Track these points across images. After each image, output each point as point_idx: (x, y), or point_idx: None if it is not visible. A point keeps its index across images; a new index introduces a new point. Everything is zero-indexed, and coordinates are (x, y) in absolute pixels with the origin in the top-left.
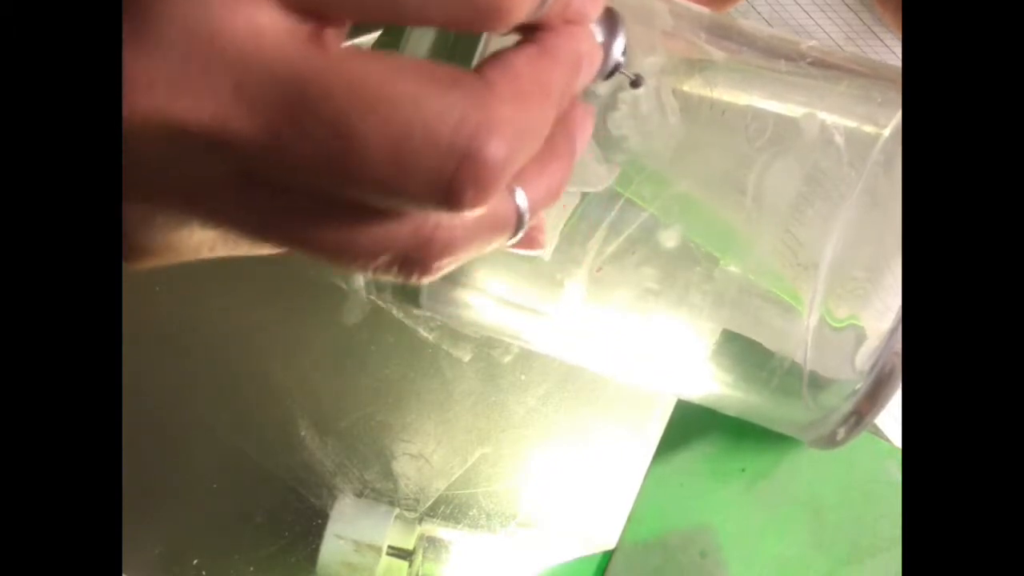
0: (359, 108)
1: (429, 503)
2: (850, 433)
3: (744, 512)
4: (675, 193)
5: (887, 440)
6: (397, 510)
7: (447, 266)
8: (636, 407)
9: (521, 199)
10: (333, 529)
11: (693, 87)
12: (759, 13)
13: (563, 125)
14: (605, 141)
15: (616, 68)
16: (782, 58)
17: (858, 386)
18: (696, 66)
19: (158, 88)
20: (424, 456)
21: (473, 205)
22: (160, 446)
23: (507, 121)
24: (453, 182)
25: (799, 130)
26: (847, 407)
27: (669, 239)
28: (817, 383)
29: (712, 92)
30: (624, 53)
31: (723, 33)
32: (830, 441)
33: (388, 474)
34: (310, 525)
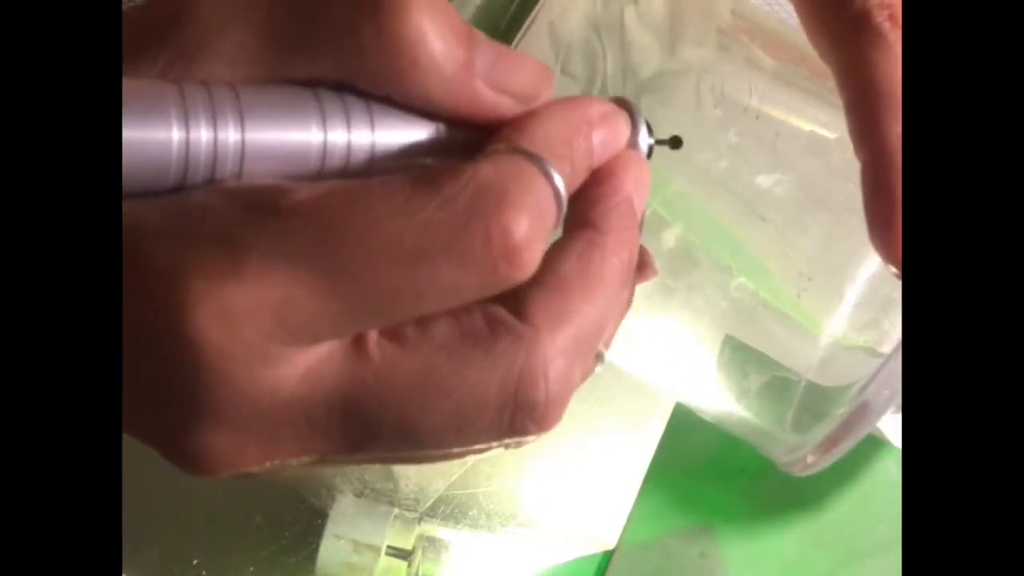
0: (414, 404)
1: (429, 503)
2: (821, 459)
3: (744, 512)
4: (676, 189)
5: (887, 440)
6: (396, 510)
7: (548, 431)
8: (636, 407)
9: (599, 346)
10: (333, 529)
11: (733, 88)
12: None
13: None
14: None
15: (651, 152)
16: (832, 81)
17: (841, 411)
18: (742, 68)
19: (242, 454)
20: None
21: (540, 432)
22: None
23: (551, 356)
24: (514, 428)
25: (827, 152)
26: (824, 431)
27: (670, 238)
28: (811, 401)
29: (751, 97)
30: (651, 133)
31: (779, 43)
32: (802, 466)
33: (388, 474)
34: (310, 525)
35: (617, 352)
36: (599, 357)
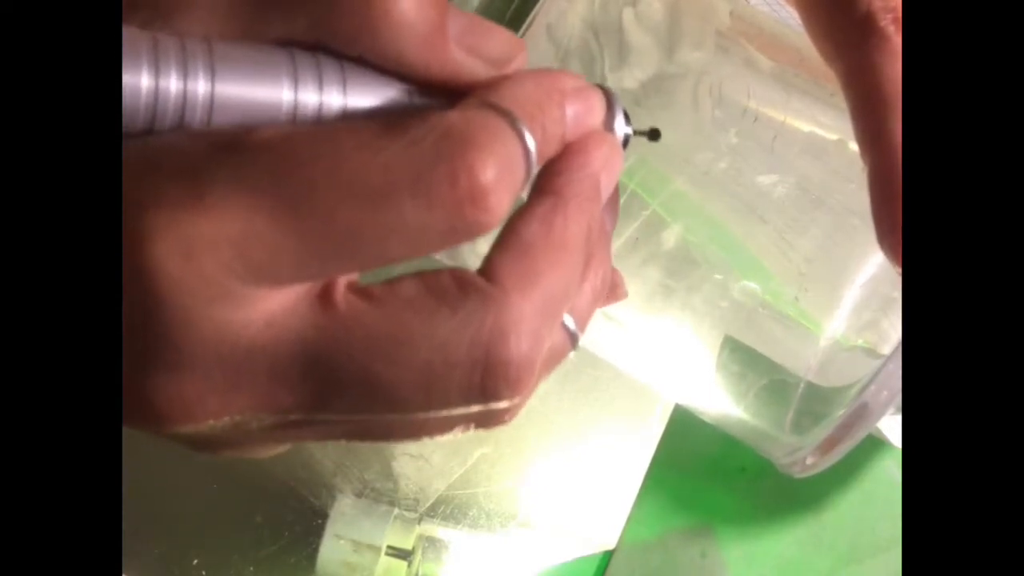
0: (380, 360)
1: (429, 503)
2: (821, 460)
3: (744, 512)
4: (676, 190)
5: (887, 440)
6: (397, 510)
7: (521, 410)
8: (636, 407)
9: (569, 322)
10: (333, 529)
11: (731, 90)
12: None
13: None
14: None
15: (627, 141)
16: (831, 83)
17: (840, 412)
18: (740, 71)
19: (202, 403)
20: (424, 456)
21: (513, 396)
22: (160, 446)
23: (520, 316)
24: (485, 390)
25: (826, 155)
26: (823, 433)
27: (670, 239)
28: (810, 402)
29: (748, 99)
30: (628, 120)
31: (779, 45)
32: (802, 467)
33: (388, 474)
34: (310, 525)
35: (617, 353)
36: (574, 339)
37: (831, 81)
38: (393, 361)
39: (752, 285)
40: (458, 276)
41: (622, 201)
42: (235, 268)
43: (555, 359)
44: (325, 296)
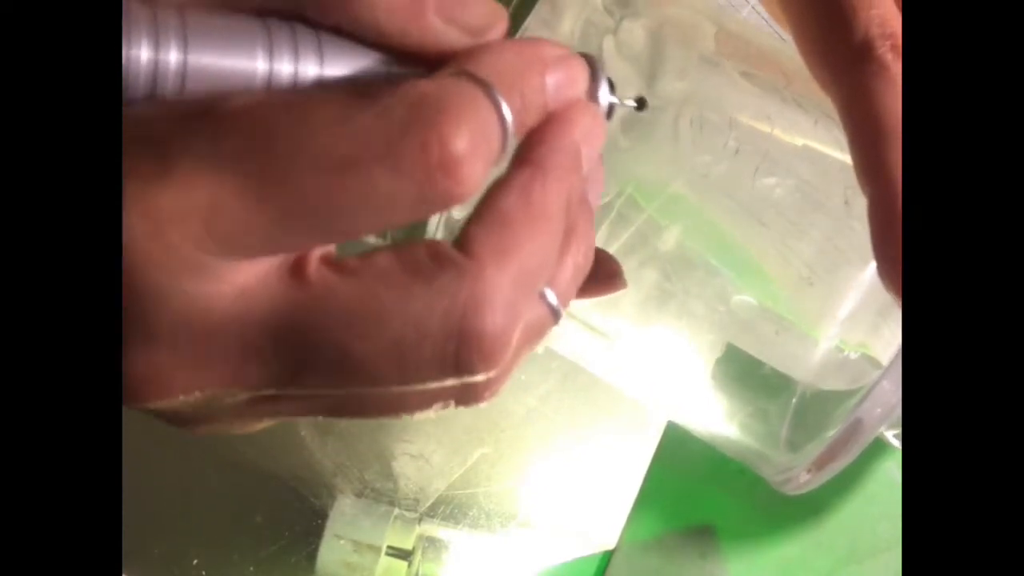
0: (352, 332)
1: (429, 503)
2: (814, 477)
3: (744, 512)
4: (674, 194)
5: (887, 441)
6: (397, 510)
7: (502, 386)
8: (636, 407)
9: (550, 296)
10: (333, 529)
11: (714, 119)
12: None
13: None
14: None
15: (611, 110)
16: (818, 110)
17: (834, 429)
18: (724, 98)
19: (172, 378)
20: (424, 456)
21: (488, 370)
22: (160, 446)
23: (495, 287)
24: (459, 363)
25: (813, 197)
26: (817, 450)
27: (667, 241)
28: (804, 416)
29: (731, 130)
30: (613, 90)
31: (770, 60)
32: (795, 485)
33: (388, 474)
34: (310, 525)
35: (608, 367)
36: (556, 314)
37: (819, 110)
38: (365, 334)
39: (748, 299)
40: (433, 248)
41: (616, 207)
42: (204, 240)
43: (536, 334)
44: (297, 269)
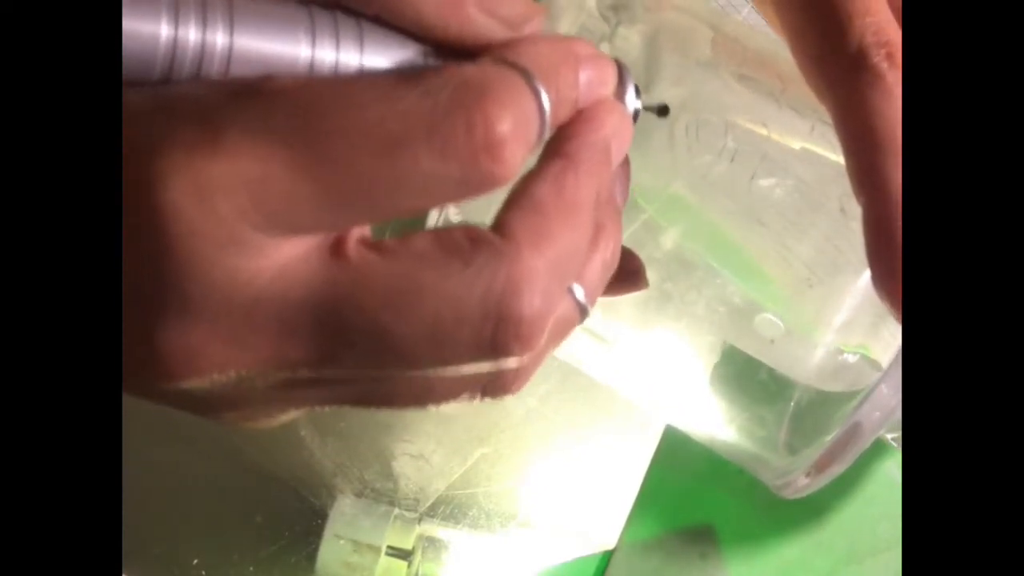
0: (390, 312)
1: (429, 503)
2: (813, 481)
3: (744, 512)
4: (673, 194)
5: (887, 441)
6: (397, 510)
7: (528, 379)
8: (636, 407)
9: (578, 292)
10: (333, 529)
11: (712, 121)
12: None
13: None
14: None
15: (636, 115)
16: (814, 115)
17: (833, 432)
18: (720, 104)
19: (208, 354)
20: (424, 456)
21: (523, 353)
22: (160, 446)
23: (533, 270)
24: (495, 345)
25: (812, 198)
26: (816, 453)
27: (667, 242)
28: (803, 420)
29: (726, 135)
30: (639, 95)
31: (759, 73)
32: (794, 489)
33: (388, 474)
34: (310, 525)
35: (607, 371)
36: (583, 312)
37: (814, 114)
38: (403, 314)
39: (773, 318)
40: (470, 231)
41: None
42: (249, 214)
43: (564, 329)
44: (337, 248)
